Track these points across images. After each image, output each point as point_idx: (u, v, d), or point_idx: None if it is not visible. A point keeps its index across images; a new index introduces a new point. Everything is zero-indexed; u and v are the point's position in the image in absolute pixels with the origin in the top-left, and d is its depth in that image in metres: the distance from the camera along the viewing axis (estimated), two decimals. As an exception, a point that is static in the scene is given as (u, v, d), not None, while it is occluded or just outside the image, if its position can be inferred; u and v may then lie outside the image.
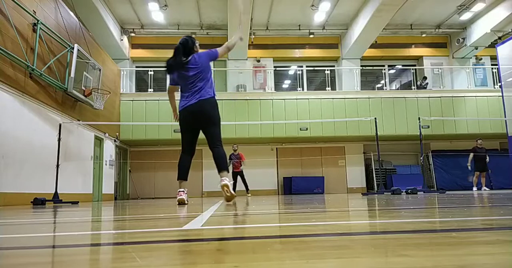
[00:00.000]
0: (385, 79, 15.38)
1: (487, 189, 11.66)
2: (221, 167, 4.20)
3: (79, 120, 9.52)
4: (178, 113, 4.41)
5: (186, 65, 4.27)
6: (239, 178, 11.42)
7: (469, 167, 11.81)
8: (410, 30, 15.40)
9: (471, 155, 11.79)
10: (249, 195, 11.08)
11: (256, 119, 12.63)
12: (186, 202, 4.29)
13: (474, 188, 11.81)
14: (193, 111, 4.17)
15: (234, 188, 11.36)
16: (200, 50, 4.49)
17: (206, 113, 4.20)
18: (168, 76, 4.48)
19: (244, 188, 11.48)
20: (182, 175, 4.31)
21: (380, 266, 0.77)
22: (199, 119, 4.22)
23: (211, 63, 4.51)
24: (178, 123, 4.40)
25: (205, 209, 3.38)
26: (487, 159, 11.68)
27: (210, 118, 4.23)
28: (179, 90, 4.41)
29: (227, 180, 4.09)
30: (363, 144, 14.96)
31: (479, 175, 11.87)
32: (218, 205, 4.08)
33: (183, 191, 4.24)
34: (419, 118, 10.12)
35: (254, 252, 0.99)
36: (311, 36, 15.25)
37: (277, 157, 14.65)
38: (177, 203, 4.21)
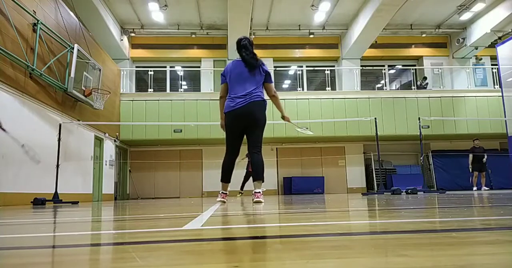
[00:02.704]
0: (385, 79, 15.38)
1: (486, 188, 11.66)
2: (259, 176, 4.12)
3: (79, 120, 9.51)
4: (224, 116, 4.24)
5: (259, 66, 4.20)
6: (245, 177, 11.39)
7: (470, 169, 11.84)
8: (410, 30, 15.40)
9: (471, 156, 11.81)
10: (239, 195, 11.03)
11: (256, 119, 12.61)
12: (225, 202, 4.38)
13: (474, 188, 11.81)
14: (243, 112, 4.08)
15: (242, 187, 11.34)
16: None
17: (256, 115, 4.14)
18: (224, 76, 4.28)
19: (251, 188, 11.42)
20: (227, 178, 4.27)
21: (380, 266, 0.77)
22: (248, 121, 4.14)
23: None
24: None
25: (205, 209, 3.38)
26: (485, 159, 11.70)
27: (258, 121, 4.17)
28: (228, 90, 4.24)
29: (261, 194, 4.07)
30: (363, 144, 14.95)
31: (478, 175, 11.89)
32: (218, 205, 4.07)
33: (226, 193, 4.33)
34: (419, 118, 10.12)
35: (254, 252, 0.99)
36: (311, 36, 15.25)
37: (277, 157, 14.65)
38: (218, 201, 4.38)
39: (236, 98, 4.11)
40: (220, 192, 4.32)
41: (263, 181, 4.15)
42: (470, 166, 11.82)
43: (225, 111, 4.16)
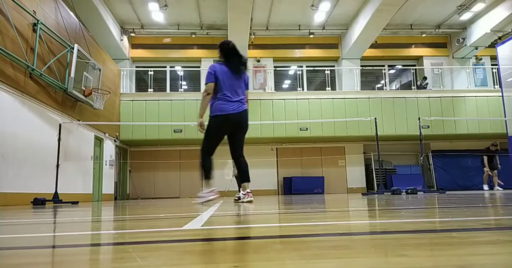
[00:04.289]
0: (385, 79, 15.38)
1: (500, 189, 11.63)
2: (248, 178, 4.38)
3: (79, 120, 9.51)
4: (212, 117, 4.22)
5: (245, 69, 4.41)
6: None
7: (487, 170, 11.85)
8: (410, 30, 15.40)
9: (485, 158, 11.83)
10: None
11: (256, 119, 12.63)
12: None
13: (486, 187, 11.75)
14: (237, 119, 4.20)
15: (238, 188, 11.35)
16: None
17: (246, 124, 4.32)
18: (210, 73, 4.28)
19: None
20: (211, 175, 4.24)
21: (380, 266, 0.77)
22: (240, 127, 4.27)
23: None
24: (203, 127, 4.27)
25: (205, 209, 3.38)
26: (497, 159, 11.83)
27: (247, 128, 4.36)
28: (216, 91, 4.22)
29: (251, 194, 4.36)
30: (363, 144, 14.95)
31: (491, 173, 11.90)
32: (218, 205, 4.08)
33: (214, 190, 4.19)
34: (419, 118, 10.12)
35: (254, 252, 0.99)
36: (311, 36, 15.25)
37: (277, 157, 14.65)
38: (205, 201, 4.11)
39: (231, 102, 4.17)
40: (210, 190, 4.18)
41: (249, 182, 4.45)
42: (486, 167, 11.83)
43: (217, 113, 4.14)
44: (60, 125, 8.11)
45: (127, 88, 14.11)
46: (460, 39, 15.14)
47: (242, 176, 4.38)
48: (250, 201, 4.36)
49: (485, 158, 11.82)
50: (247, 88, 4.45)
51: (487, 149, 11.93)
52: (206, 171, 4.24)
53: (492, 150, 11.82)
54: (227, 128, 4.21)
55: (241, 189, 4.51)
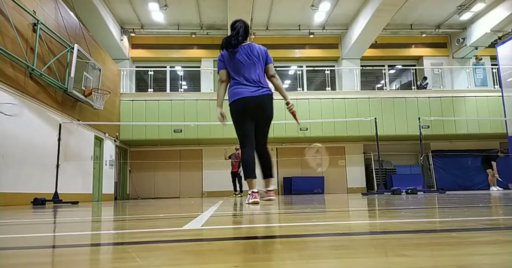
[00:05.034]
0: (385, 79, 15.38)
1: (500, 189, 11.67)
2: (271, 171, 3.89)
3: (79, 120, 9.51)
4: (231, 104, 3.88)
5: (249, 48, 3.87)
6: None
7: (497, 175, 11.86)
8: (410, 30, 15.41)
9: (494, 164, 11.85)
10: (236, 196, 10.77)
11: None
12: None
13: (495, 188, 11.77)
14: (257, 104, 3.77)
15: (235, 188, 11.32)
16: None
17: (268, 111, 3.87)
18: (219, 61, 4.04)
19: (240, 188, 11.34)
20: (253, 172, 3.74)
21: (380, 266, 0.77)
22: (259, 115, 3.84)
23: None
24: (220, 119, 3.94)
25: (205, 209, 3.38)
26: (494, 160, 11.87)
27: (270, 117, 3.93)
28: (231, 76, 3.92)
29: (273, 193, 3.74)
30: (363, 144, 14.95)
31: (500, 178, 11.94)
32: (218, 205, 4.08)
33: (257, 192, 3.68)
34: (419, 118, 10.12)
35: (254, 252, 0.99)
36: (311, 36, 15.26)
37: (277, 157, 14.65)
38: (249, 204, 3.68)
39: (246, 85, 3.78)
40: (251, 192, 3.69)
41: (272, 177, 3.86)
42: (496, 173, 11.84)
43: (233, 98, 3.80)
44: (60, 125, 8.11)
45: (127, 88, 14.11)
46: (460, 39, 15.14)
47: (264, 168, 3.88)
48: (255, 203, 3.65)
49: (494, 163, 11.84)
50: (269, 62, 3.94)
51: (496, 154, 11.93)
52: (245, 168, 3.78)
53: (499, 156, 11.87)
54: (248, 111, 3.78)
55: (252, 186, 3.79)
